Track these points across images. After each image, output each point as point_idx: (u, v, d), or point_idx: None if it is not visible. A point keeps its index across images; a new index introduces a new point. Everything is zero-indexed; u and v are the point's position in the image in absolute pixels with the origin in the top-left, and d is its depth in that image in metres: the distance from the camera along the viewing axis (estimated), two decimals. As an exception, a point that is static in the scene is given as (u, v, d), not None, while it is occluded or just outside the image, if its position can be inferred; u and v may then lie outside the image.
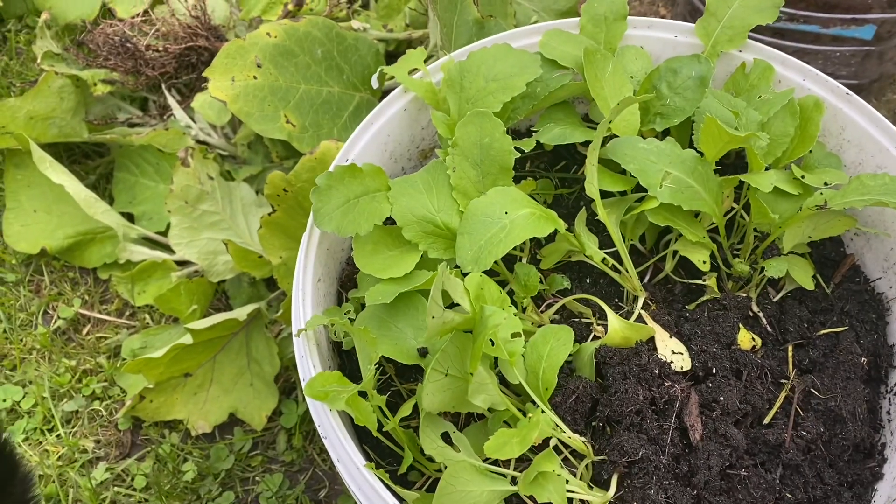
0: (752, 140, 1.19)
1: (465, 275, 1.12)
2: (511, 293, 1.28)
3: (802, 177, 1.24)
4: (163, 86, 1.93)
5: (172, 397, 1.67)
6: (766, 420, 1.21)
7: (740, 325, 1.26)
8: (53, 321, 1.82)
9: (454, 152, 1.17)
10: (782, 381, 1.24)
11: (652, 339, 1.24)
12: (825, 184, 1.24)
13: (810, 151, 1.32)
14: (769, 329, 1.30)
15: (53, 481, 1.59)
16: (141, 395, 1.64)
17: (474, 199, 1.15)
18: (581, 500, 1.11)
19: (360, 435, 1.23)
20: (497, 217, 1.14)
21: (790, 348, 1.27)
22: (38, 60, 1.87)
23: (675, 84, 1.30)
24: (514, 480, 1.08)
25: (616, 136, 1.28)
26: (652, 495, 1.07)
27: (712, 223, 1.33)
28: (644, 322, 1.26)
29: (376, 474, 1.03)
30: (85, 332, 1.82)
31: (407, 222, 1.17)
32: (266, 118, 1.41)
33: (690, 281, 1.35)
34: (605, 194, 1.33)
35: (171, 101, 1.93)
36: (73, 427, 1.69)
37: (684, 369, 1.21)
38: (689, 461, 1.15)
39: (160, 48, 1.91)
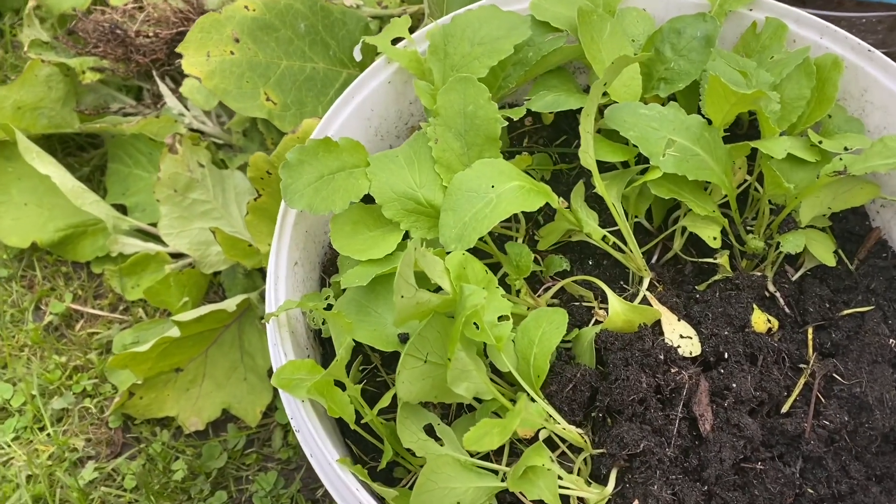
0: (763, 102, 1.09)
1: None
2: (506, 277, 1.19)
3: (820, 142, 1.14)
4: (154, 73, 1.87)
5: (163, 393, 1.61)
6: (784, 409, 1.11)
7: (754, 307, 1.16)
8: (45, 317, 1.76)
9: (436, 122, 1.09)
10: (801, 366, 1.14)
11: (658, 323, 1.15)
12: (845, 149, 1.14)
13: (829, 116, 1.21)
14: (787, 310, 1.19)
15: (40, 481, 1.54)
16: (130, 391, 1.58)
17: (458, 173, 1.06)
18: (579, 498, 1.02)
19: (344, 430, 1.15)
20: (483, 191, 1.05)
21: (810, 330, 1.17)
22: (26, 49, 1.82)
23: (678, 46, 1.20)
24: (505, 477, 0.99)
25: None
26: (655, 491, 0.98)
27: (724, 197, 1.23)
28: (649, 304, 1.16)
29: (351, 470, 0.95)
30: (77, 327, 1.76)
31: (387, 199, 1.09)
32: (244, 95, 1.34)
33: (701, 260, 1.25)
34: (606, 168, 1.24)
35: (163, 89, 1.87)
36: (63, 425, 1.63)
37: (693, 354, 1.12)
38: (699, 454, 1.05)
39: (151, 34, 1.85)
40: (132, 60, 1.87)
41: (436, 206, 1.09)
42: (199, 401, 1.62)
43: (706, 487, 1.04)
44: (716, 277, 1.22)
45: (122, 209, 1.86)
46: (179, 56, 1.86)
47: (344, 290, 1.10)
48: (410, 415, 0.98)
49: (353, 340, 1.06)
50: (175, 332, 1.52)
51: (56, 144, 1.97)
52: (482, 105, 1.08)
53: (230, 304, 1.57)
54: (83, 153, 1.99)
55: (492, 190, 1.05)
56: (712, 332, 1.14)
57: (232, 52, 1.32)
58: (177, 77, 1.95)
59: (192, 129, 1.86)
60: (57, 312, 1.76)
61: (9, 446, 1.60)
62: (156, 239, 1.81)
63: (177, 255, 1.79)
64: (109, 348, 1.73)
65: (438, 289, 0.98)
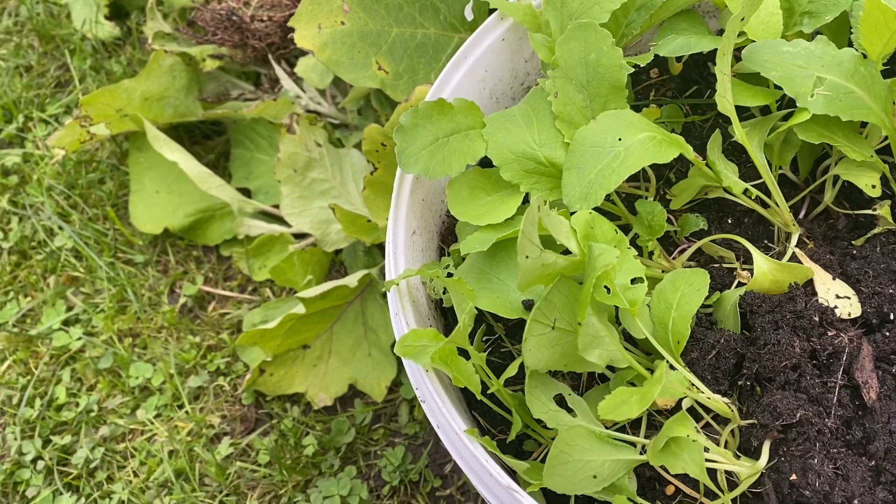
0: (931, 25, 0.95)
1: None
2: (636, 239, 1.12)
3: None
4: (270, 57, 1.90)
5: (292, 370, 1.63)
6: (966, 374, 0.97)
7: (925, 260, 1.03)
8: (179, 299, 1.83)
9: (555, 74, 1.02)
10: None
11: (810, 283, 1.04)
12: None
13: None
14: (966, 263, 1.05)
15: (181, 456, 1.59)
16: (261, 368, 1.61)
17: (581, 128, 0.99)
18: (727, 473, 0.94)
19: (471, 402, 1.11)
20: (609, 145, 0.98)
21: None
22: (150, 41, 1.88)
23: (824, -27, 1.08)
24: (644, 450, 0.92)
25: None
26: (815, 465, 0.88)
27: (883, 140, 1.10)
28: (799, 262, 1.06)
29: (480, 441, 0.91)
30: (210, 308, 1.82)
31: (505, 161, 1.03)
32: (356, 66, 1.32)
33: (857, 212, 1.13)
34: (743, 116, 1.13)
35: (279, 72, 1.89)
36: (200, 403, 1.69)
37: (852, 316, 1.01)
38: (864, 425, 0.94)
39: (265, 18, 1.87)
40: (248, 46, 1.90)
41: (558, 165, 1.03)
42: (326, 377, 1.64)
43: (873, 462, 0.93)
44: (875, 231, 1.10)
45: (246, 193, 1.90)
46: (293, 39, 1.88)
47: (463, 257, 1.06)
48: (539, 384, 0.93)
49: (476, 309, 1.02)
50: (300, 308, 1.53)
51: (183, 134, 2.03)
52: (605, 52, 1.00)
53: (352, 279, 1.57)
54: (208, 141, 2.04)
55: (619, 143, 0.97)
56: (874, 291, 1.02)
57: (342, 23, 1.30)
58: (292, 60, 1.97)
59: (308, 111, 1.87)
60: (190, 295, 1.82)
61: (152, 423, 1.66)
62: (279, 220, 1.83)
63: (300, 236, 1.81)
64: (240, 328, 1.77)
65: (565, 252, 0.92)
